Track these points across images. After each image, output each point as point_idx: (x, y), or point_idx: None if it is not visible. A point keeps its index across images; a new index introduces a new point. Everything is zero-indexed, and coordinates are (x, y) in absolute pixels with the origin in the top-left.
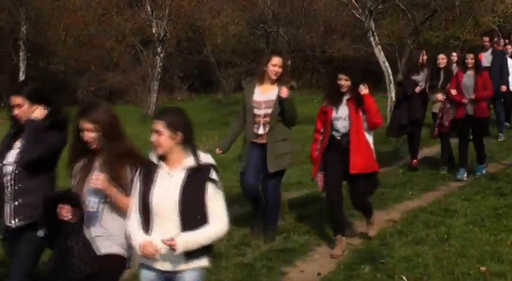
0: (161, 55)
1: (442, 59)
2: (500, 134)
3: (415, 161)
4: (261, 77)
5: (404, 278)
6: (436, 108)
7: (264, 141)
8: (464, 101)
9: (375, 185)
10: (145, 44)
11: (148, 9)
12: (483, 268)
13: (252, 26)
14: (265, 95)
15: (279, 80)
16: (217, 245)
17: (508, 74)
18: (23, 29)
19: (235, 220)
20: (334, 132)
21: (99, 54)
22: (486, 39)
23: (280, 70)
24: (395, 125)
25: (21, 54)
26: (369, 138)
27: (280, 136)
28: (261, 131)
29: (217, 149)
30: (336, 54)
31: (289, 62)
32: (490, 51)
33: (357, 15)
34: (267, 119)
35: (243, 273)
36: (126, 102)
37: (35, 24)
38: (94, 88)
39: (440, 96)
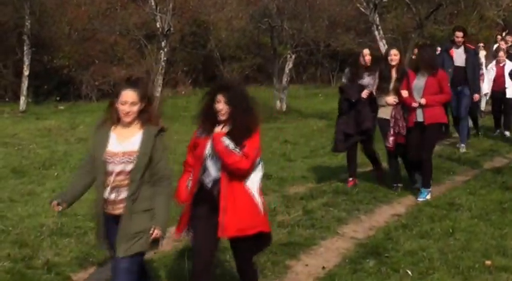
0: (165, 49)
1: (394, 56)
2: (462, 144)
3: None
4: (117, 117)
5: (409, 272)
6: (384, 113)
7: (117, 211)
8: (414, 104)
9: (262, 245)
10: (150, 39)
11: (153, 4)
12: (488, 262)
13: (256, 20)
14: (124, 143)
15: (141, 122)
16: (221, 240)
17: (479, 78)
18: (27, 23)
19: None
20: (204, 177)
21: (103, 48)
22: (459, 34)
23: (133, 109)
24: (341, 138)
25: (25, 48)
26: (251, 185)
27: (141, 205)
28: (112, 196)
29: (54, 203)
30: (340, 49)
31: (150, 91)
32: (462, 48)
33: (361, 9)
34: (122, 178)
35: None
36: None
37: (39, 19)
38: (98, 83)
39: (391, 99)
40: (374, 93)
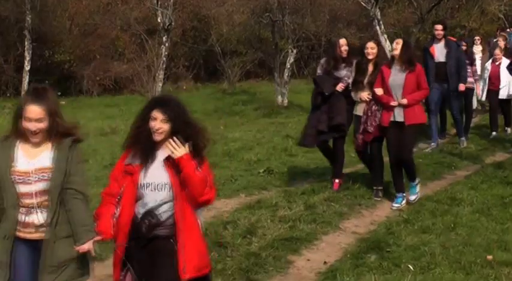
0: (166, 44)
1: (371, 49)
2: (461, 138)
3: (337, 181)
4: (23, 133)
5: (410, 266)
6: (360, 110)
7: (33, 235)
8: (393, 103)
9: None
10: (151, 34)
11: None
12: (490, 257)
13: (257, 14)
14: (34, 160)
15: (51, 137)
16: (223, 234)
17: (465, 69)
18: (28, 18)
19: (241, 209)
20: (138, 208)
21: (104, 43)
22: (439, 27)
23: (40, 126)
24: (310, 132)
25: (26, 43)
26: (199, 218)
27: (63, 229)
28: (31, 218)
29: None
30: None
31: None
32: (443, 42)
33: (362, 3)
34: (42, 199)
35: (249, 262)
36: (132, 91)
37: (40, 13)
38: (99, 78)
39: (365, 95)
40: (350, 86)
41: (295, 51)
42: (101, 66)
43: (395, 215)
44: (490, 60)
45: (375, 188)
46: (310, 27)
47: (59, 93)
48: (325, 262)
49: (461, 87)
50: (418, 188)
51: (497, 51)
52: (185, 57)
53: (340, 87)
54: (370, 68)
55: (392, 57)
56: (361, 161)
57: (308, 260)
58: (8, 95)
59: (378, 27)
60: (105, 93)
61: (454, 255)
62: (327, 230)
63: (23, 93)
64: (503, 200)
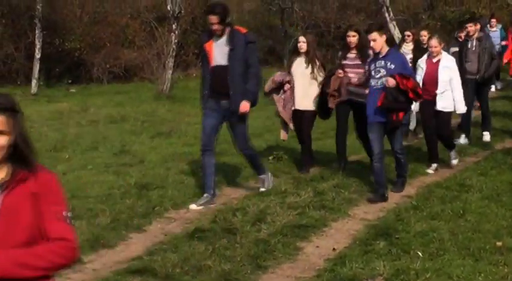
0: (176, 32)
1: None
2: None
3: None
4: None
5: (419, 253)
6: None
7: None
8: None
9: None
10: (160, 21)
11: None
12: (499, 243)
13: (267, 2)
14: None
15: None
16: (233, 221)
17: (255, 79)
18: (38, 6)
19: (250, 196)
20: None
21: (114, 31)
22: (213, 18)
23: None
24: None
25: (37, 31)
26: None
27: None
28: None
29: None
30: None
31: None
32: (225, 37)
33: None
34: None
35: (258, 249)
36: (142, 79)
37: (51, 1)
38: (109, 65)
39: None
40: None
41: None
42: (111, 53)
43: (404, 202)
44: (425, 56)
45: None
46: (319, 14)
47: (69, 81)
48: (334, 249)
49: (243, 106)
50: None
51: (433, 42)
52: (195, 45)
53: None
54: None
55: None
56: None
57: (317, 246)
58: (19, 83)
59: (386, 14)
60: (115, 80)
61: (463, 241)
62: (336, 216)
63: (33, 81)
64: None
